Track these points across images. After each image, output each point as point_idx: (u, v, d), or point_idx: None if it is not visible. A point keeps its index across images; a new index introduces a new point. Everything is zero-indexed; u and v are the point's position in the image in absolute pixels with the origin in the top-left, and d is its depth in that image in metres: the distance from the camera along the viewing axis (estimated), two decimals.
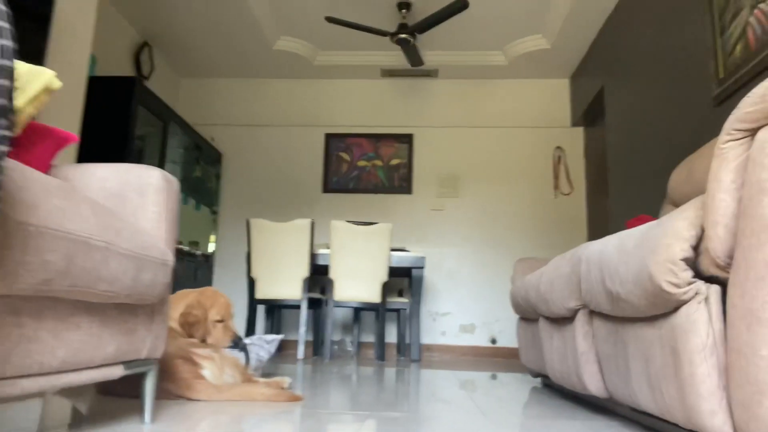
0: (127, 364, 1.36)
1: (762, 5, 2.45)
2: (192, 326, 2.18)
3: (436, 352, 5.31)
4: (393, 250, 4.52)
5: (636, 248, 1.30)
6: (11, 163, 0.90)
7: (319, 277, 4.98)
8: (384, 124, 5.76)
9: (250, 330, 4.29)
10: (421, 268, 4.38)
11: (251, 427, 1.48)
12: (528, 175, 5.54)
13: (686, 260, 1.15)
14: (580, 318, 1.83)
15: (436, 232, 5.51)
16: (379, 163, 5.67)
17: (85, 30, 2.96)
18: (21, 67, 1.20)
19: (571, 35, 4.85)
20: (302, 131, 5.79)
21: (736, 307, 1.00)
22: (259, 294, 4.28)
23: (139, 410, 1.56)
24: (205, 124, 5.80)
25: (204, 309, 2.22)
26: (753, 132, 1.01)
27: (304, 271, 4.24)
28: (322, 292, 4.90)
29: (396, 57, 5.40)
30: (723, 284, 1.13)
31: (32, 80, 1.22)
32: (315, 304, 4.68)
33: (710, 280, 1.15)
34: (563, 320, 2.04)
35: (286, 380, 2.25)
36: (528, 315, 2.63)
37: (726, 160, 1.04)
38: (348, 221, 4.28)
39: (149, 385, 1.46)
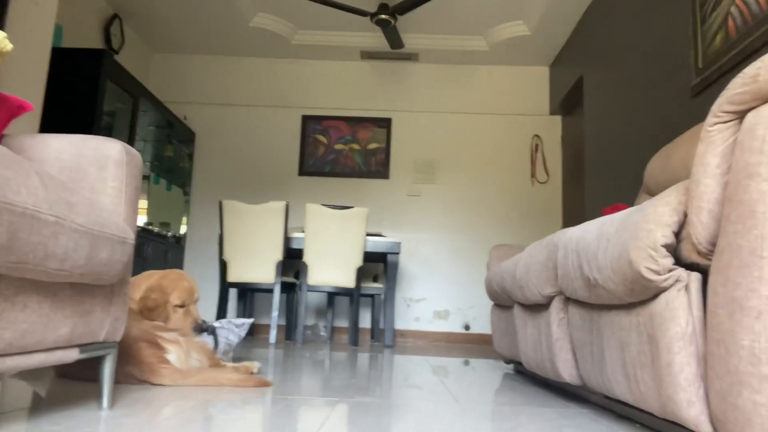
0: (83, 347, 1.29)
1: None
2: (151, 311, 2.09)
3: (410, 337, 5.30)
4: (368, 235, 4.47)
5: (616, 234, 1.27)
6: None
7: (292, 260, 4.91)
8: (362, 108, 5.67)
9: (221, 314, 4.21)
10: (397, 253, 4.34)
11: (217, 413, 1.42)
12: (505, 163, 5.53)
13: (667, 246, 1.12)
14: (556, 305, 1.81)
15: (413, 217, 5.48)
16: (356, 146, 5.59)
17: None
18: None
19: (552, 22, 4.82)
20: (278, 112, 5.67)
21: (718, 294, 0.97)
22: (232, 277, 4.19)
23: (99, 395, 1.49)
24: (178, 102, 5.63)
25: (164, 293, 2.13)
26: (742, 114, 0.97)
27: (277, 254, 4.17)
28: (296, 276, 4.83)
29: (376, 39, 5.31)
30: (704, 272, 1.10)
31: None
32: (288, 288, 4.61)
33: (691, 267, 1.13)
34: (538, 307, 2.01)
35: (255, 365, 2.19)
36: (503, 302, 2.61)
37: (713, 143, 1.00)
38: (323, 205, 4.21)
39: (107, 370, 1.39)
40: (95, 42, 4.61)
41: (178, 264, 5.24)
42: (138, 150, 4.31)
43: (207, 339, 2.37)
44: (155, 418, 1.31)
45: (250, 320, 2.67)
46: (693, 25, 2.85)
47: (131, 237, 1.32)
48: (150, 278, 2.16)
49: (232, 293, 5.35)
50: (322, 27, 5.24)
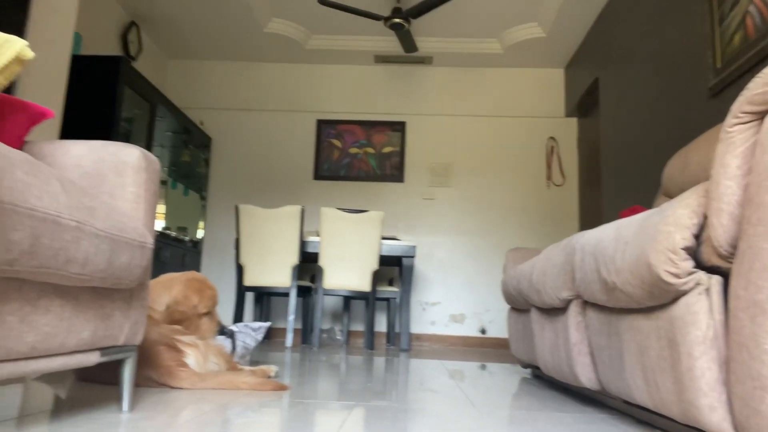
0: (103, 350, 1.30)
1: None
2: (179, 323, 2.11)
3: (426, 341, 5.29)
4: (384, 238, 4.47)
5: (634, 236, 1.26)
6: None
7: (308, 264, 4.93)
8: (377, 111, 5.68)
9: (238, 317, 4.24)
10: (412, 257, 4.34)
11: (234, 416, 1.43)
12: (520, 166, 5.50)
13: (687, 249, 1.11)
14: (573, 308, 1.79)
15: (428, 221, 5.47)
16: (371, 150, 5.61)
17: (69, 7, 2.86)
18: None
19: (567, 24, 4.79)
20: (293, 117, 5.70)
21: (740, 298, 0.96)
22: (248, 281, 4.22)
23: (119, 398, 1.50)
24: (194, 108, 5.69)
25: (191, 305, 2.14)
26: (762, 115, 0.96)
27: (293, 258, 4.19)
28: (312, 279, 4.85)
29: (390, 43, 5.32)
30: (725, 275, 1.09)
31: (1, 50, 1.14)
32: (304, 292, 4.63)
33: (711, 270, 1.11)
34: (555, 311, 2.00)
35: (272, 368, 2.20)
36: (519, 305, 2.59)
37: (733, 144, 0.99)
38: (339, 209, 4.22)
39: (127, 373, 1.41)
40: (113, 49, 4.69)
41: (195, 268, 5.29)
42: (155, 155, 4.36)
43: (225, 342, 2.39)
44: (174, 421, 1.32)
45: (267, 324, 2.69)
46: (710, 24, 2.81)
47: (150, 241, 1.34)
48: (171, 285, 2.17)
49: (249, 297, 5.38)
50: (336, 31, 5.26)
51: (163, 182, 4.85)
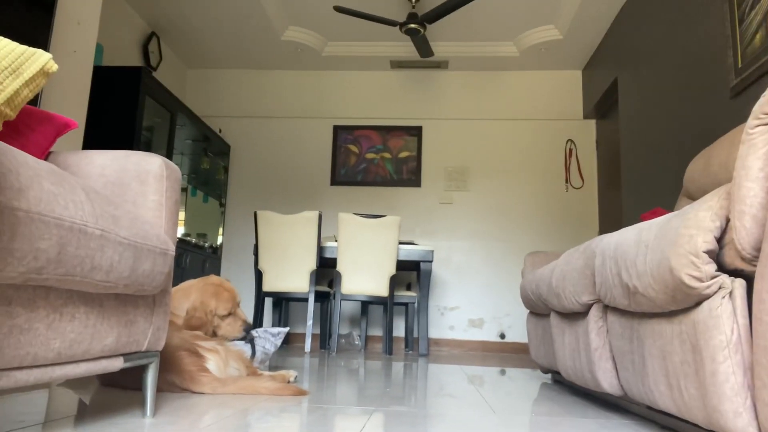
0: (127, 356, 1.32)
1: None
2: (198, 329, 2.14)
3: (445, 346, 5.27)
4: (401, 243, 4.47)
5: (655, 240, 1.24)
6: None
7: (326, 269, 4.95)
8: (393, 116, 5.70)
9: (257, 323, 4.27)
10: (430, 261, 4.33)
11: (255, 420, 1.44)
12: (539, 168, 5.47)
13: (709, 252, 1.09)
14: (594, 313, 1.78)
15: (445, 225, 5.46)
16: (387, 155, 5.62)
17: (91, 19, 2.92)
18: (16, 48, 1.16)
19: (584, 25, 4.76)
20: (310, 123, 5.74)
21: (764, 301, 0.94)
22: (267, 286, 4.25)
23: (142, 402, 1.53)
24: (213, 116, 5.77)
25: (207, 310, 2.17)
26: None
27: (311, 263, 4.21)
28: (330, 285, 4.86)
29: (406, 48, 5.34)
30: (748, 278, 1.07)
31: (28, 62, 1.17)
32: (322, 297, 4.64)
33: (734, 273, 1.10)
34: (576, 315, 1.98)
35: (291, 373, 2.21)
36: (538, 309, 2.58)
37: (754, 146, 0.98)
38: (356, 214, 4.24)
39: (150, 378, 1.43)
40: (134, 60, 4.77)
41: (215, 274, 5.35)
42: (176, 163, 4.42)
43: (244, 348, 2.41)
44: (196, 426, 1.34)
45: (286, 329, 2.70)
46: (731, 24, 2.78)
47: (172, 249, 1.36)
48: (189, 293, 2.20)
49: (268, 302, 5.42)
50: (352, 38, 5.29)
51: (183, 189, 4.92)
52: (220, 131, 5.70)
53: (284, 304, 4.91)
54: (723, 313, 1.07)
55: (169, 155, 4.44)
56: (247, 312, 5.31)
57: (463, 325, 5.29)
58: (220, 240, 5.52)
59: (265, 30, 5.04)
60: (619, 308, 1.57)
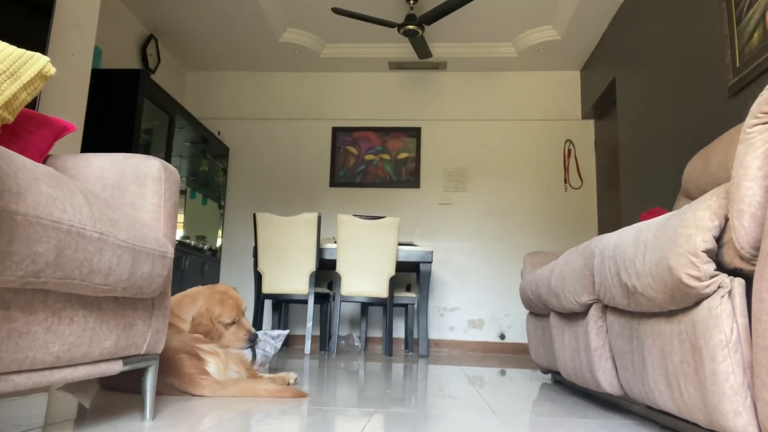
0: (126, 359, 1.32)
1: None
2: (205, 335, 2.14)
3: (445, 347, 5.27)
4: (401, 244, 4.47)
5: (654, 240, 1.24)
6: None
7: (326, 271, 4.95)
8: (392, 118, 5.70)
9: (257, 325, 4.27)
10: (429, 262, 4.33)
11: (255, 423, 1.44)
12: (537, 169, 5.47)
13: (708, 252, 1.09)
14: (594, 313, 1.78)
15: (444, 226, 5.46)
16: (386, 156, 5.62)
17: (89, 22, 2.92)
18: (13, 52, 1.16)
19: (582, 26, 4.77)
20: (309, 125, 5.74)
21: (763, 300, 0.94)
22: (266, 288, 4.25)
23: (142, 406, 1.52)
24: (212, 118, 5.77)
25: (212, 318, 2.17)
26: None
27: (311, 265, 4.21)
28: (329, 286, 4.86)
29: (404, 49, 5.34)
30: (747, 277, 1.07)
31: (25, 65, 1.17)
32: (322, 299, 4.64)
33: (733, 272, 1.10)
34: (575, 315, 1.98)
35: (291, 375, 2.21)
36: (538, 310, 2.58)
37: (753, 145, 0.98)
38: (355, 215, 4.24)
39: (150, 381, 1.43)
40: (132, 62, 4.77)
41: (214, 276, 5.34)
42: (174, 166, 4.42)
43: (245, 351, 2.40)
44: (196, 429, 1.34)
45: (286, 332, 2.70)
46: (729, 23, 2.78)
47: (171, 251, 1.36)
48: (196, 299, 2.20)
49: (267, 304, 5.41)
50: (350, 40, 5.30)
51: (182, 192, 4.91)
52: (218, 133, 5.70)
53: (284, 306, 4.91)
54: (722, 313, 1.07)
55: (167, 158, 4.44)
56: (247, 314, 5.30)
57: (463, 325, 5.29)
58: (219, 242, 5.52)
59: (263, 32, 5.04)
60: (619, 308, 1.57)
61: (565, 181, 5.42)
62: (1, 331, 0.91)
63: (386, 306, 4.22)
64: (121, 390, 1.90)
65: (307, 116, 5.77)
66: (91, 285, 1.06)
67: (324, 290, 4.58)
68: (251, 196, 5.66)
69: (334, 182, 5.61)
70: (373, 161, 5.62)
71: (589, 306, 1.81)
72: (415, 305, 4.70)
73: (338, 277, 4.17)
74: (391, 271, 4.18)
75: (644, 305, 1.35)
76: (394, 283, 4.26)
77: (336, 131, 5.71)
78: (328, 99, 5.79)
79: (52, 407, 1.60)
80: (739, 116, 2.70)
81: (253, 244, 5.12)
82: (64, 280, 0.98)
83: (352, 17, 4.18)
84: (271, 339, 2.59)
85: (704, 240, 1.09)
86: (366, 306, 4.93)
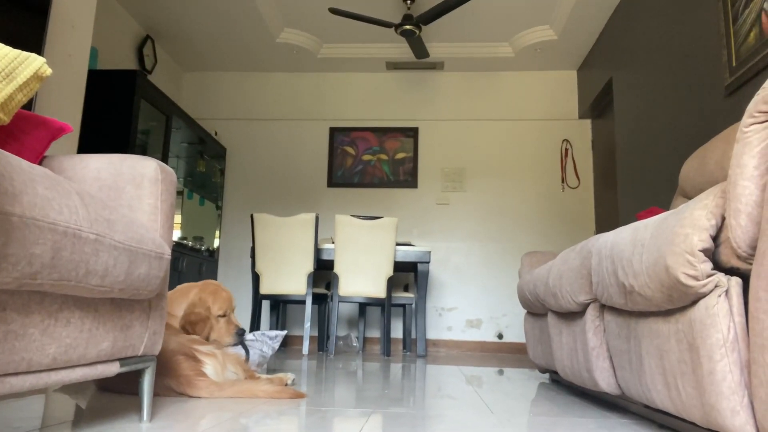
0: (123, 361, 1.32)
1: None
2: (195, 325, 2.14)
3: (443, 347, 5.27)
4: (398, 244, 4.47)
5: (651, 239, 1.25)
6: None
7: (324, 272, 4.94)
8: (389, 118, 5.70)
9: (255, 325, 4.26)
10: (427, 262, 4.33)
11: (253, 424, 1.44)
12: (535, 169, 5.48)
13: (705, 251, 1.10)
14: (591, 312, 1.78)
15: (442, 226, 5.46)
16: (384, 156, 5.62)
17: (86, 22, 2.91)
18: (9, 53, 1.15)
19: (579, 25, 4.77)
20: (306, 125, 5.74)
21: (761, 299, 0.95)
22: (264, 289, 4.24)
23: (139, 407, 1.52)
24: (209, 119, 5.76)
25: (206, 306, 2.18)
26: None
27: (308, 266, 4.20)
28: (327, 287, 4.86)
29: (401, 49, 5.34)
30: (744, 276, 1.07)
31: (21, 66, 1.17)
32: (320, 299, 4.64)
33: (730, 271, 1.10)
34: (573, 315, 1.98)
35: (289, 376, 2.21)
36: (536, 309, 2.58)
37: (749, 144, 0.98)
38: (353, 215, 4.23)
39: (147, 383, 1.42)
40: (129, 63, 4.76)
41: (212, 277, 5.34)
42: (171, 166, 4.42)
43: (237, 350, 2.40)
44: (194, 430, 1.34)
45: (284, 332, 2.70)
46: (725, 22, 2.79)
47: (168, 252, 1.36)
48: (187, 293, 2.21)
49: (265, 305, 5.41)
50: (348, 40, 5.29)
51: (179, 193, 4.90)
52: (215, 134, 5.69)
53: (282, 306, 4.90)
54: (719, 312, 1.07)
55: (164, 158, 4.43)
56: (245, 315, 5.30)
57: (461, 325, 5.29)
58: (216, 243, 5.51)
59: (260, 32, 5.04)
60: (616, 307, 1.58)
61: (563, 181, 5.42)
62: None
63: (384, 306, 4.22)
64: (118, 391, 1.89)
65: (304, 117, 5.76)
66: (88, 286, 1.05)
67: (322, 291, 4.58)
68: (249, 196, 5.65)
69: (332, 183, 5.60)
70: (371, 161, 5.62)
71: (587, 305, 1.81)
72: (413, 305, 4.70)
73: (336, 277, 4.16)
74: (389, 271, 4.18)
75: (641, 305, 1.35)
76: (392, 284, 4.26)
77: (333, 131, 5.70)
78: (326, 99, 5.79)
79: (49, 409, 1.59)
80: (736, 115, 2.71)
81: (251, 245, 5.11)
82: (60, 282, 0.97)
83: (349, 17, 4.18)
84: (268, 339, 2.59)
85: (701, 239, 1.09)
86: (364, 306, 4.93)
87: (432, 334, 5.28)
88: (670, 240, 1.15)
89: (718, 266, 1.11)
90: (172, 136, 4.61)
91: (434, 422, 1.55)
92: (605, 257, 1.54)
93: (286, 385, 2.12)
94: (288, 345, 5.19)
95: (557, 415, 1.76)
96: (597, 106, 5.14)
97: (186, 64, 5.74)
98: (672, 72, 3.45)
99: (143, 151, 4.29)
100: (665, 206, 3.44)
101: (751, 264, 1.01)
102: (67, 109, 2.79)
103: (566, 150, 5.47)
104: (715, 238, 1.11)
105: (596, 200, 5.32)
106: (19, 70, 1.17)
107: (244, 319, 5.28)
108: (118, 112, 3.95)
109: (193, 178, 5.17)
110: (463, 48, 5.31)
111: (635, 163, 4.04)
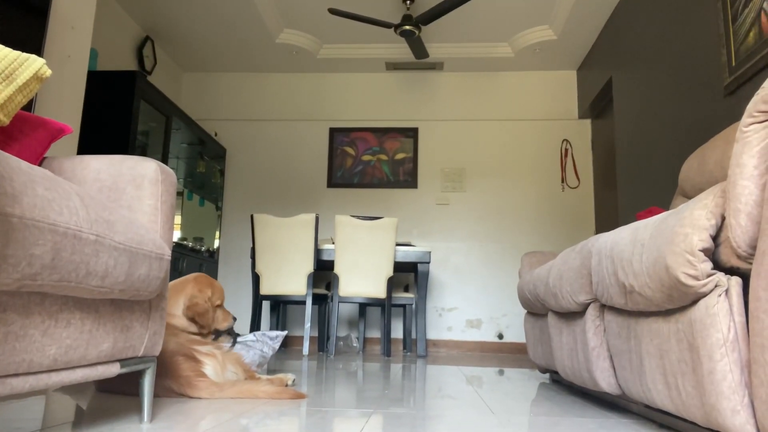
0: (123, 361, 1.32)
1: None
2: (201, 316, 2.13)
3: (443, 347, 5.27)
4: (398, 244, 4.47)
5: (651, 239, 1.25)
6: None
7: (324, 272, 4.94)
8: (389, 118, 5.70)
9: (255, 326, 4.26)
10: (427, 262, 4.33)
11: (253, 425, 1.44)
12: (535, 169, 5.48)
13: (705, 251, 1.10)
14: (591, 312, 1.78)
15: (442, 226, 5.46)
16: (383, 157, 5.62)
17: (85, 23, 2.91)
18: (9, 54, 1.15)
19: (579, 25, 4.77)
20: (306, 126, 5.74)
21: (761, 299, 0.95)
22: (264, 290, 4.24)
23: (139, 408, 1.52)
24: (209, 119, 5.76)
25: (207, 297, 2.20)
26: None
27: (308, 266, 4.20)
28: (327, 287, 4.86)
29: (401, 50, 5.34)
30: (744, 276, 1.07)
31: (21, 68, 1.17)
32: (320, 300, 4.64)
33: (730, 271, 1.10)
34: (573, 315, 1.98)
35: (289, 377, 2.20)
36: (536, 309, 2.58)
37: (749, 144, 0.98)
38: (353, 216, 4.23)
39: (147, 384, 1.42)
40: (129, 64, 4.76)
41: (212, 277, 5.33)
42: (171, 167, 4.42)
43: (227, 345, 2.41)
44: (194, 431, 1.34)
45: (284, 333, 2.70)
46: (724, 22, 2.79)
47: (168, 253, 1.36)
48: (183, 288, 2.20)
49: (265, 306, 5.41)
50: (347, 40, 5.30)
51: (179, 193, 4.90)
52: (215, 135, 5.69)
53: (282, 307, 4.90)
54: (719, 311, 1.07)
55: (164, 159, 4.43)
56: (245, 315, 5.30)
57: (461, 325, 5.29)
58: (216, 244, 5.51)
59: (259, 33, 5.04)
60: (616, 307, 1.58)
61: (563, 181, 5.42)
62: None
63: (384, 306, 4.22)
64: (119, 392, 1.89)
65: (304, 117, 5.76)
66: (88, 287, 1.05)
67: (322, 291, 4.58)
68: (249, 197, 5.65)
69: (332, 183, 5.61)
70: (371, 162, 5.62)
71: (587, 305, 1.81)
72: (413, 305, 4.70)
73: (336, 277, 4.17)
74: (389, 271, 4.18)
75: (641, 304, 1.35)
76: (392, 284, 4.26)
77: (333, 132, 5.70)
78: (325, 100, 5.79)
79: (49, 410, 1.59)
80: (735, 115, 2.71)
81: (251, 246, 5.11)
82: (60, 283, 0.97)
83: (348, 18, 4.18)
84: (269, 340, 2.59)
85: (701, 239, 1.09)
86: (364, 307, 4.93)
87: (432, 334, 5.28)
88: (670, 240, 1.15)
89: (718, 266, 1.11)
90: (172, 136, 4.62)
91: (434, 422, 1.55)
92: (605, 257, 1.54)
93: (287, 385, 2.12)
94: (288, 345, 5.19)
95: (558, 415, 1.76)
96: (597, 106, 5.14)
97: (186, 65, 5.74)
98: (671, 72, 3.45)
99: (143, 152, 4.29)
100: (665, 206, 3.44)
101: (751, 263, 1.01)
102: (67, 110, 2.79)
103: (566, 150, 5.47)
104: (715, 238, 1.11)
105: (596, 200, 5.32)
106: (19, 72, 1.18)
107: (244, 320, 5.29)
108: (118, 113, 3.96)
109: (193, 179, 5.18)
110: (463, 48, 5.31)
111: (635, 163, 4.04)
